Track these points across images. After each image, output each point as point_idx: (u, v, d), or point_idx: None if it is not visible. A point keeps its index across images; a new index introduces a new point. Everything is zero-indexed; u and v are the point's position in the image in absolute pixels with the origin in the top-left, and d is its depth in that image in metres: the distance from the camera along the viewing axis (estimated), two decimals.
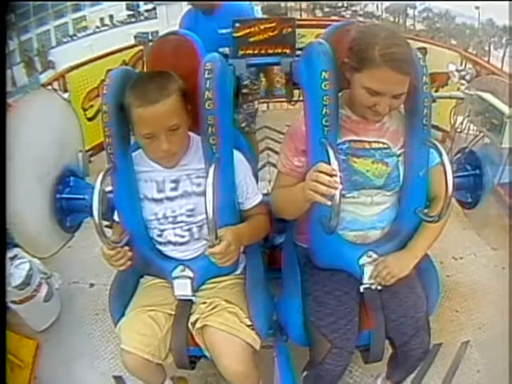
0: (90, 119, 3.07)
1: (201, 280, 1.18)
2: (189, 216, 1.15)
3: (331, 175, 0.88)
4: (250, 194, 1.18)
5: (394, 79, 0.97)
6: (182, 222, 1.16)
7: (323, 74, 1.02)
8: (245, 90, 2.24)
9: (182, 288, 1.16)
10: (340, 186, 0.87)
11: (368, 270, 1.15)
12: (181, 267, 1.17)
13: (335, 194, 0.88)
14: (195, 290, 1.18)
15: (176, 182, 1.14)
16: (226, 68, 1.11)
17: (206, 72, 1.05)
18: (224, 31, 1.97)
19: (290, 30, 1.25)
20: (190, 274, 1.16)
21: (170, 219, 1.15)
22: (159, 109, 1.00)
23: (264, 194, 1.24)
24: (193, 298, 1.17)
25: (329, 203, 0.89)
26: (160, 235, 1.18)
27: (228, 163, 1.11)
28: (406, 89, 1.01)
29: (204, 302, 1.17)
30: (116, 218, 1.20)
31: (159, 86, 1.02)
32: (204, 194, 0.94)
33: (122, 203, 1.16)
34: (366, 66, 0.98)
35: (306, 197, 0.94)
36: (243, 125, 2.34)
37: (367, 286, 1.17)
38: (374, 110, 1.03)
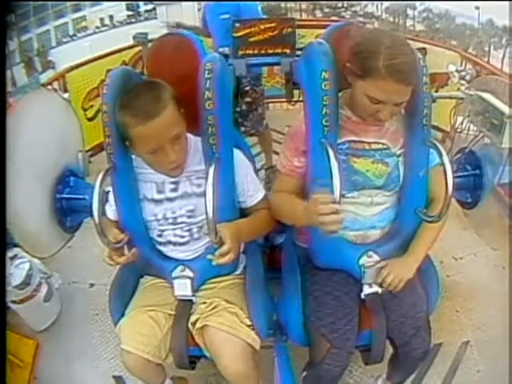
0: (90, 119, 3.07)
1: (201, 280, 1.18)
2: (189, 217, 1.15)
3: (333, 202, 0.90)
4: (252, 191, 1.18)
5: (397, 90, 0.97)
6: (182, 223, 1.16)
7: (323, 74, 1.02)
8: (248, 99, 2.30)
9: (182, 288, 1.16)
10: (342, 216, 0.90)
11: (369, 275, 1.14)
12: (181, 267, 1.17)
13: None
14: (195, 290, 1.17)
15: (176, 183, 1.14)
16: (225, 68, 1.11)
17: (206, 72, 1.05)
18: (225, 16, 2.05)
19: (289, 30, 1.25)
20: (190, 273, 1.16)
21: (170, 220, 1.15)
22: (159, 122, 0.98)
23: None
24: (193, 298, 1.17)
25: (337, 229, 0.92)
26: (160, 235, 1.18)
27: (228, 163, 1.11)
28: (408, 96, 1.01)
29: (204, 302, 1.17)
30: (109, 215, 1.18)
31: (154, 99, 0.98)
32: (204, 194, 0.94)
33: (122, 203, 1.16)
34: (370, 75, 0.97)
35: (310, 222, 0.96)
36: (252, 131, 2.42)
37: (369, 292, 1.16)
38: (375, 116, 1.03)
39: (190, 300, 1.17)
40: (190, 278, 1.16)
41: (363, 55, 0.99)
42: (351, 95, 1.08)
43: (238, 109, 2.32)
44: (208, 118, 1.06)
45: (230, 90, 1.14)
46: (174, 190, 1.14)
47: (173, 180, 1.13)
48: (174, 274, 1.17)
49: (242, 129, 2.43)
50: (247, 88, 2.29)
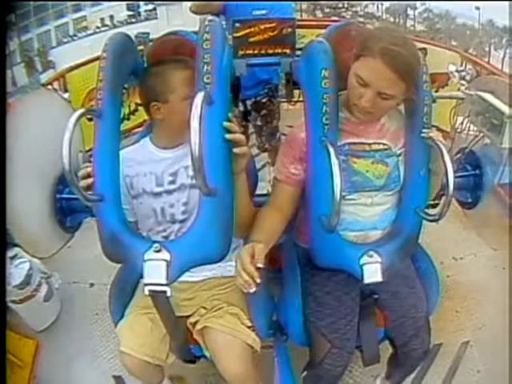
0: (90, 119, 3.05)
1: (180, 266, 0.94)
2: (184, 212, 1.13)
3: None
4: None
5: (384, 74, 0.95)
6: (179, 220, 1.14)
7: (323, 72, 1.01)
8: (264, 112, 2.16)
9: (155, 274, 0.92)
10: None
11: (369, 274, 1.14)
12: (156, 245, 0.94)
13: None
14: (174, 280, 0.94)
15: (174, 174, 1.13)
16: (223, 32, 1.04)
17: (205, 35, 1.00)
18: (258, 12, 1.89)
19: (289, 30, 1.25)
20: (167, 256, 0.93)
21: (168, 218, 1.14)
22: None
23: (263, 195, 1.24)
24: (167, 290, 0.93)
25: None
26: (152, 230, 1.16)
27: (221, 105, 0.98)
28: (395, 92, 0.98)
29: (204, 307, 1.17)
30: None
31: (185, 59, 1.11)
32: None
33: (101, 157, 1.01)
34: (364, 54, 0.97)
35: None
36: (266, 146, 2.29)
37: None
38: (358, 104, 1.01)
39: (164, 292, 0.94)
40: (165, 260, 0.93)
41: (366, 37, 0.99)
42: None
43: (253, 122, 2.19)
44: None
45: (227, 62, 1.04)
46: (173, 182, 1.13)
47: (171, 171, 1.13)
48: (146, 256, 0.93)
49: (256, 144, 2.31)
50: (264, 100, 2.12)
